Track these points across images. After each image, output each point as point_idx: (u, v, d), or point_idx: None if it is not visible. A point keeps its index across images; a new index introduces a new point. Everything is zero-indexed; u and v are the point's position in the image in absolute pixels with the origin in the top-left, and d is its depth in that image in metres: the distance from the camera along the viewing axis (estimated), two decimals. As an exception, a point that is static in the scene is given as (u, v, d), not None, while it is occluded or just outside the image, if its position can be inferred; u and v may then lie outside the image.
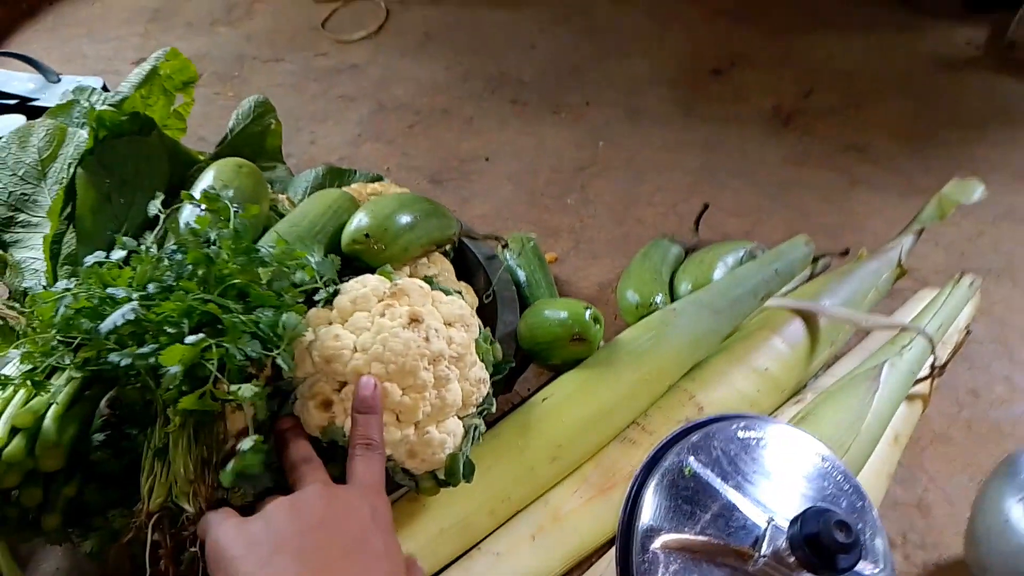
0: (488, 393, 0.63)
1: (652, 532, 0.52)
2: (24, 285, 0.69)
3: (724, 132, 1.28)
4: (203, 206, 0.67)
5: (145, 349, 0.51)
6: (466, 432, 0.60)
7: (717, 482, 0.55)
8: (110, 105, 0.78)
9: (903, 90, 1.40)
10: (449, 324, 0.61)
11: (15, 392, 0.55)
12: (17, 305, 0.66)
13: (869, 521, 0.56)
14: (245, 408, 0.52)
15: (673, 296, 0.87)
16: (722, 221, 1.07)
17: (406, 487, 0.60)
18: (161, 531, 0.53)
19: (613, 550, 0.64)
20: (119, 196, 0.75)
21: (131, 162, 0.77)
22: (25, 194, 0.75)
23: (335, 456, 0.58)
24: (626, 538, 0.53)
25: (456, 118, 1.30)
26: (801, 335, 0.77)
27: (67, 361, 0.56)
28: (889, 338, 0.79)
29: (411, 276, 0.72)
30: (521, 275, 0.86)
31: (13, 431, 0.52)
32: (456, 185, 1.13)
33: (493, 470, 0.62)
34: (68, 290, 0.56)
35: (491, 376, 0.64)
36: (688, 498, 0.54)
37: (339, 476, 0.59)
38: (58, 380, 0.56)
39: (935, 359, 0.74)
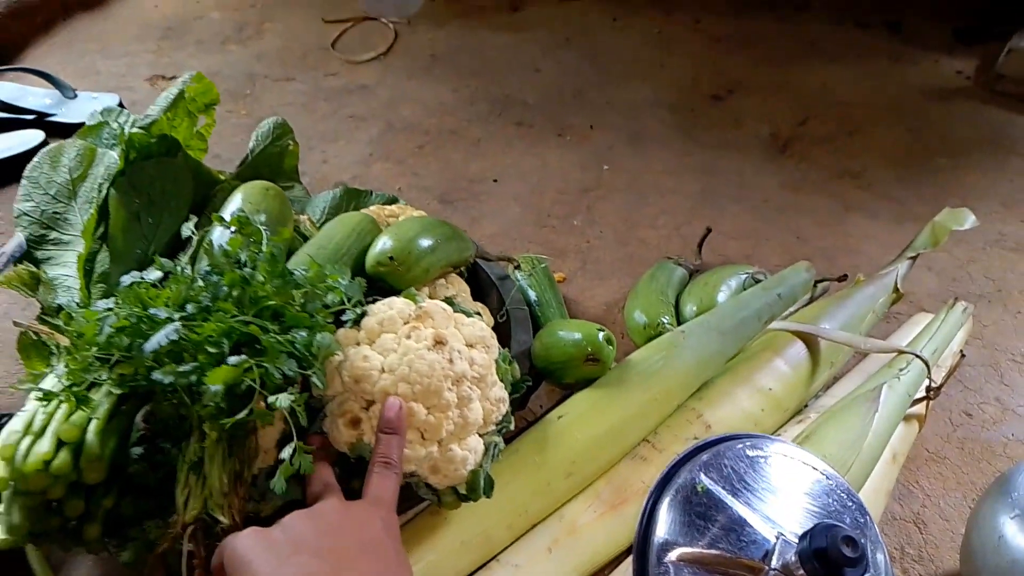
0: (507, 411, 0.65)
1: (667, 546, 0.55)
2: (57, 301, 0.71)
3: (723, 157, 1.32)
4: (233, 228, 0.70)
5: (186, 367, 0.54)
6: (486, 449, 0.63)
7: (728, 498, 0.58)
8: (140, 128, 0.81)
9: (895, 119, 1.45)
10: (471, 345, 0.64)
11: (57, 407, 0.57)
12: (53, 321, 0.68)
13: (871, 536, 0.58)
14: (287, 416, 0.54)
15: (679, 317, 0.90)
16: (723, 244, 1.10)
17: (428, 501, 0.62)
18: (195, 541, 0.55)
19: (626, 563, 0.67)
20: (147, 216, 0.78)
21: (159, 183, 0.80)
22: (57, 213, 0.77)
23: (361, 471, 0.60)
24: (642, 551, 0.56)
25: (464, 139, 1.33)
26: (803, 357, 0.80)
27: (103, 377, 0.59)
28: (886, 361, 0.82)
29: (430, 297, 0.75)
30: (532, 295, 0.89)
31: (58, 445, 0.54)
32: (465, 205, 1.16)
33: (511, 485, 0.65)
34: (110, 309, 0.58)
35: (509, 395, 0.67)
36: (701, 513, 0.57)
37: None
38: (96, 395, 0.58)
39: (931, 381, 0.77)
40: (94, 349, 0.58)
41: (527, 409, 0.81)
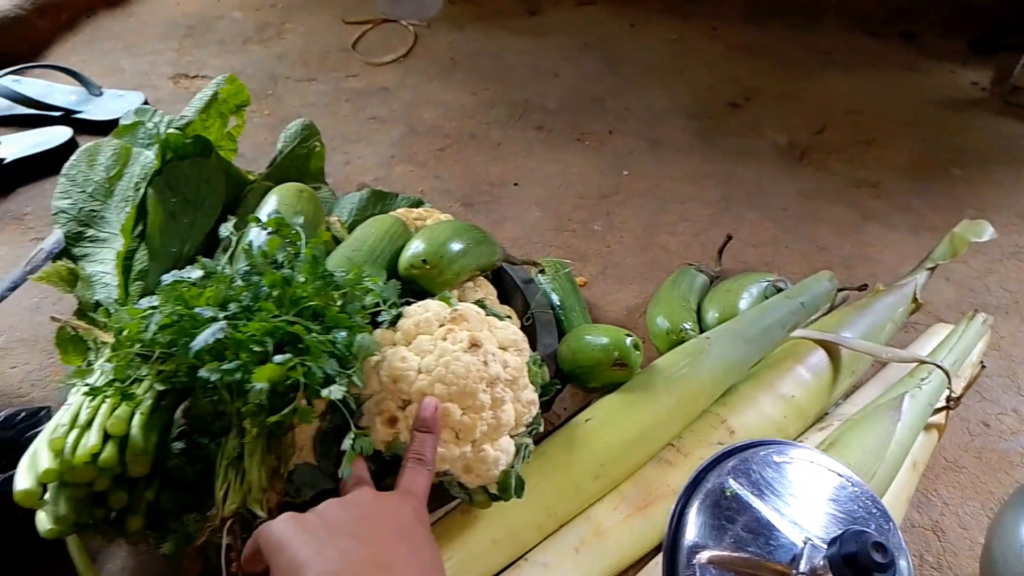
0: (537, 413, 0.67)
1: (696, 548, 0.56)
2: (95, 298, 0.73)
3: (741, 165, 1.33)
4: (269, 229, 0.71)
5: (230, 365, 0.55)
6: (517, 450, 0.64)
7: (756, 503, 0.59)
8: (176, 128, 0.82)
9: (911, 129, 1.46)
10: (504, 348, 0.65)
11: (102, 402, 0.58)
12: (95, 317, 0.70)
13: (895, 543, 0.60)
14: (339, 406, 0.55)
15: (701, 323, 0.91)
16: (742, 251, 1.11)
17: (460, 499, 0.64)
18: (234, 535, 0.56)
19: (650, 564, 0.68)
20: (183, 215, 0.79)
21: (194, 183, 0.81)
22: (94, 210, 0.79)
23: (395, 470, 0.62)
24: (672, 553, 0.57)
25: (484, 143, 1.35)
26: (824, 365, 0.81)
27: (144, 373, 0.60)
28: (905, 370, 0.83)
29: (460, 300, 0.76)
30: (555, 299, 0.91)
31: (104, 438, 0.55)
32: (487, 209, 1.17)
33: (540, 486, 0.66)
34: (154, 307, 0.60)
35: (538, 397, 0.68)
36: (729, 517, 0.58)
37: (398, 487, 0.63)
38: (138, 390, 0.60)
39: (951, 392, 0.78)
40: (137, 346, 0.60)
41: (552, 412, 0.82)
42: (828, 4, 1.91)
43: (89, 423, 0.57)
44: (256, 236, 0.72)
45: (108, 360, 0.61)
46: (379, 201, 0.98)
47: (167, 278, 0.64)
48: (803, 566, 0.54)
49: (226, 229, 0.74)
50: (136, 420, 0.57)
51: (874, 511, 0.61)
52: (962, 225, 0.99)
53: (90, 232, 0.78)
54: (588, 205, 1.20)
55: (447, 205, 1.16)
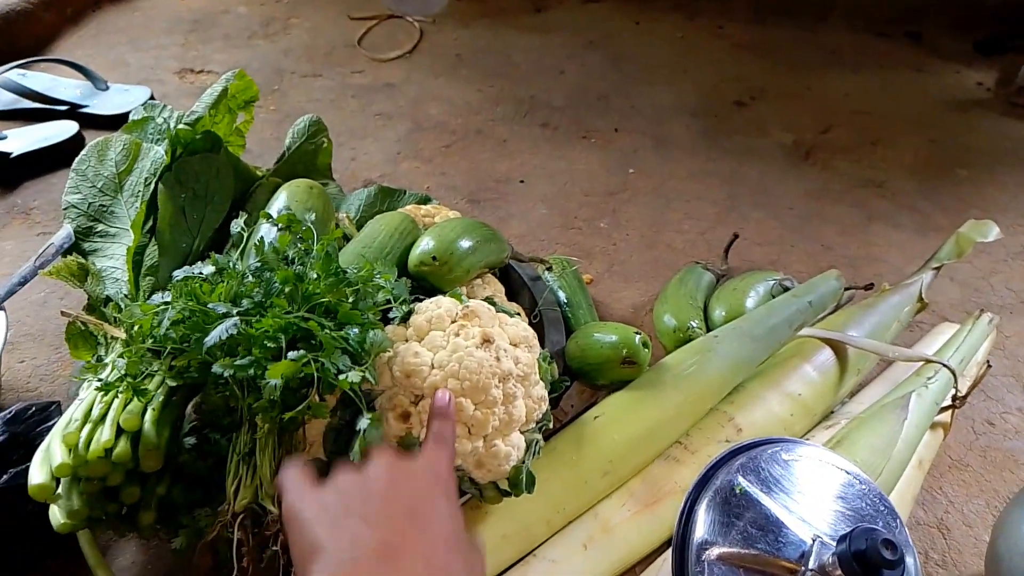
0: (547, 410, 0.67)
1: (706, 545, 0.57)
2: (105, 293, 0.73)
3: (747, 164, 1.33)
4: (280, 225, 0.72)
5: (244, 361, 0.55)
6: (528, 446, 0.64)
7: (765, 500, 0.59)
8: (186, 124, 0.82)
9: (916, 129, 1.46)
10: (515, 344, 0.65)
11: (114, 397, 0.59)
12: (105, 312, 0.70)
13: (902, 540, 0.60)
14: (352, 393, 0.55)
15: (707, 321, 0.91)
16: (748, 249, 1.12)
17: (470, 495, 0.64)
18: (244, 530, 0.57)
19: (658, 561, 0.69)
20: (192, 211, 0.80)
21: (203, 178, 0.81)
22: (103, 205, 0.79)
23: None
24: (681, 551, 0.57)
25: (490, 139, 1.35)
26: (831, 364, 0.82)
27: (156, 368, 0.60)
28: (910, 369, 0.84)
29: (468, 296, 0.77)
30: (562, 296, 0.91)
31: (117, 433, 0.56)
32: (493, 206, 1.17)
33: (549, 482, 0.66)
34: (167, 303, 0.60)
35: (548, 394, 0.68)
36: (738, 514, 0.58)
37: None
38: (150, 385, 0.60)
39: (957, 391, 0.79)
40: (149, 341, 0.60)
41: (559, 408, 0.82)
42: (834, 3, 1.91)
43: (102, 418, 0.57)
44: (267, 232, 0.72)
45: (120, 355, 0.61)
46: (386, 197, 0.98)
47: (179, 274, 0.65)
48: (812, 563, 0.55)
49: (237, 225, 0.74)
50: (148, 415, 0.58)
51: (881, 509, 0.61)
52: (968, 225, 0.99)
53: (100, 227, 0.79)
54: (594, 203, 1.20)
55: (453, 202, 1.16)
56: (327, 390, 0.56)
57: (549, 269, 0.93)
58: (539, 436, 0.66)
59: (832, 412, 0.83)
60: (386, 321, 0.65)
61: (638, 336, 0.74)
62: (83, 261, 0.75)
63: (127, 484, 0.57)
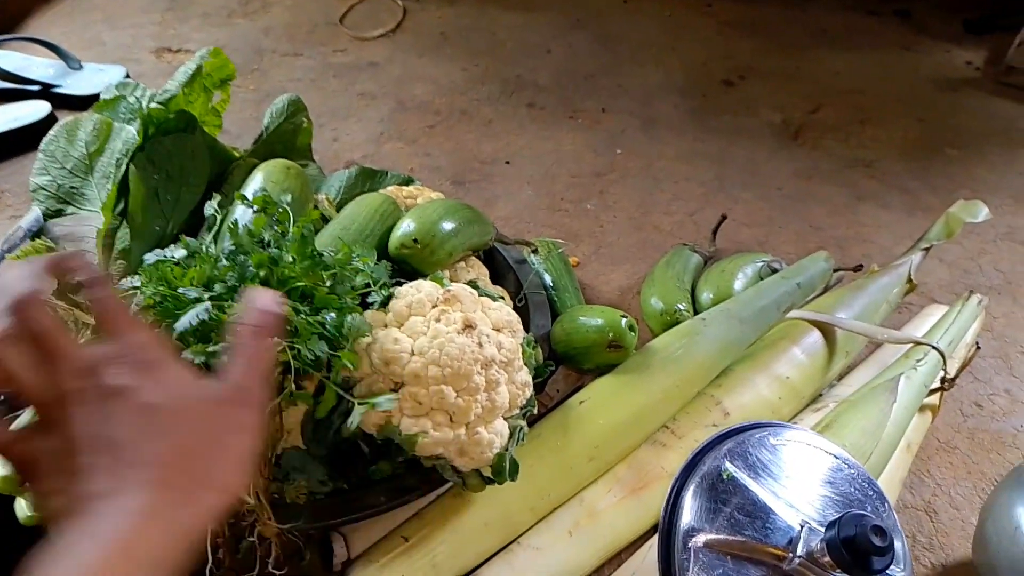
0: (531, 396, 0.66)
1: (692, 531, 0.56)
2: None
3: (735, 144, 1.31)
4: (255, 207, 0.69)
5: (216, 347, 0.53)
6: (511, 432, 0.63)
7: (753, 485, 0.58)
8: (158, 103, 0.80)
9: (906, 109, 1.44)
10: (498, 329, 0.64)
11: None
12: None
13: (890, 525, 0.59)
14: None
15: (695, 304, 0.90)
16: (736, 231, 1.10)
17: (453, 483, 0.63)
18: (219, 522, 0.55)
19: (644, 547, 0.68)
20: (166, 192, 0.77)
21: (177, 159, 0.79)
22: (73, 187, 0.77)
23: (389, 453, 0.61)
24: (668, 537, 0.56)
25: (475, 120, 1.32)
26: (819, 346, 0.81)
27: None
28: (898, 351, 0.83)
29: (451, 280, 0.75)
30: (548, 279, 0.89)
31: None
32: (478, 187, 1.15)
33: (534, 469, 0.65)
34: (137, 287, 0.58)
35: (532, 379, 0.67)
36: (726, 500, 0.57)
37: (390, 472, 0.62)
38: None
39: (946, 373, 0.78)
40: (119, 326, 0.58)
41: (544, 393, 0.81)
42: (823, -19, 1.88)
43: (70, 407, 0.55)
44: (242, 214, 0.70)
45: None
46: (368, 179, 0.96)
47: (150, 257, 0.62)
48: (800, 549, 0.54)
49: (210, 207, 0.72)
50: (119, 404, 0.56)
51: (870, 493, 0.60)
52: (957, 205, 0.98)
53: (70, 210, 0.76)
54: (581, 184, 1.18)
55: (437, 183, 1.14)
56: (306, 371, 0.55)
57: (535, 252, 0.91)
58: (523, 422, 0.65)
59: (820, 395, 0.82)
60: (365, 306, 0.63)
61: (624, 319, 0.72)
62: (52, 244, 0.73)
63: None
